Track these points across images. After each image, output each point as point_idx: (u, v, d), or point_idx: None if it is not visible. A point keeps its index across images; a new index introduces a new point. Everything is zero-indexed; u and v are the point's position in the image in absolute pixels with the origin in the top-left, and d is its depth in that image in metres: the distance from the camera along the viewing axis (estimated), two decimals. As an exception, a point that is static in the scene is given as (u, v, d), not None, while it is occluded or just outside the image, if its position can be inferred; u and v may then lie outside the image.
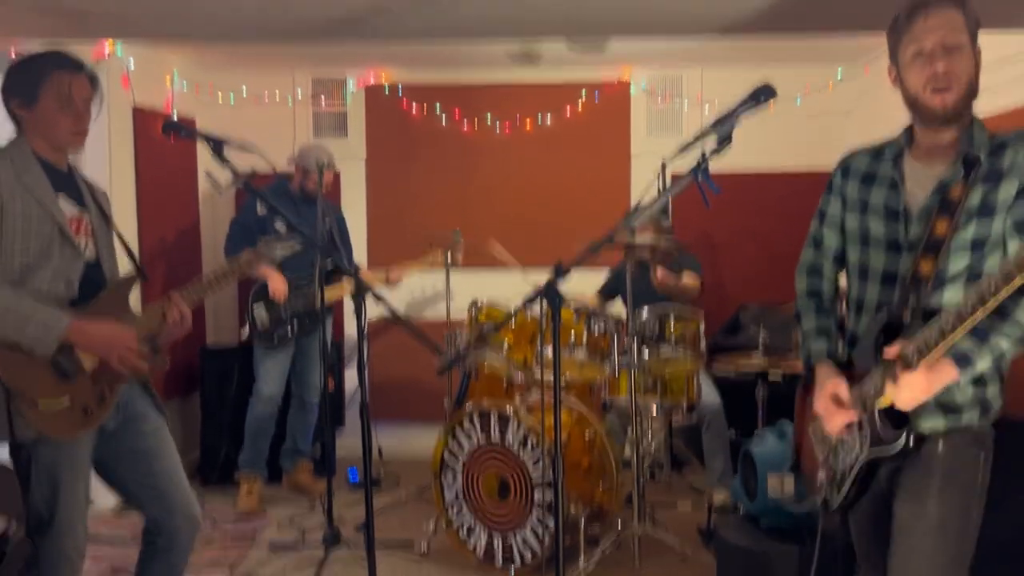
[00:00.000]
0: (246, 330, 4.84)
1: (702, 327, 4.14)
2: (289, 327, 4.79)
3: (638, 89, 5.80)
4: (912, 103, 2.09)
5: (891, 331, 2.05)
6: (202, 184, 5.52)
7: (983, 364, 1.97)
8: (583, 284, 5.04)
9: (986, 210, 2.01)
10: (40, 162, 2.57)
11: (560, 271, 2.22)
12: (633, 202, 5.54)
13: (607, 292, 4.99)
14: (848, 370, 2.18)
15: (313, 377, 4.98)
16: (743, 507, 3.38)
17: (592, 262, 2.25)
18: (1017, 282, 1.71)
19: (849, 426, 2.13)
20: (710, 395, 4.59)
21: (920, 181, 2.09)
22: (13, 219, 2.47)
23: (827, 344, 2.28)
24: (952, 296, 2.04)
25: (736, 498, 3.42)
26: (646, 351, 4.04)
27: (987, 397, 2.08)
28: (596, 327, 3.99)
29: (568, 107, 5.77)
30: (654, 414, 4.28)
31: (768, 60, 5.43)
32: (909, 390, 1.94)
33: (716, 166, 2.03)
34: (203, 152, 5.36)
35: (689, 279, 4.68)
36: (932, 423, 2.06)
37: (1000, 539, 3.04)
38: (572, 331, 3.97)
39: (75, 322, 2.47)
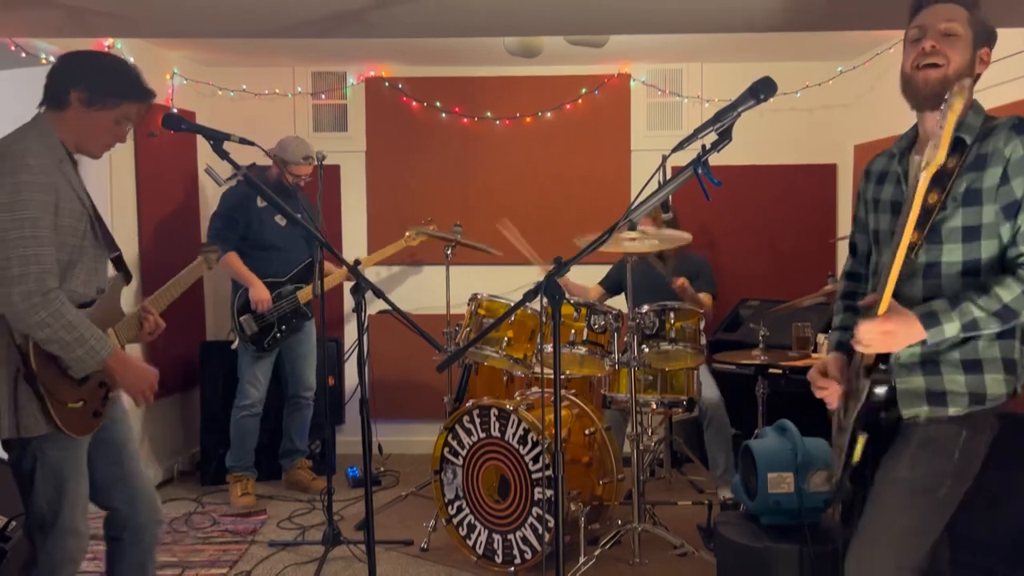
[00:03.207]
0: (235, 341, 4.82)
1: (702, 323, 4.13)
2: (278, 331, 4.77)
3: (638, 83, 5.78)
4: (904, 84, 2.16)
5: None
6: (202, 178, 5.50)
7: (951, 327, 1.99)
8: (585, 279, 5.05)
9: (972, 198, 2.03)
10: (66, 152, 2.56)
11: (560, 266, 2.20)
12: (633, 196, 5.52)
13: (610, 286, 4.98)
14: None
15: (305, 375, 4.96)
16: (744, 505, 3.37)
17: (591, 257, 2.24)
18: (936, 163, 1.85)
19: (847, 399, 2.20)
20: (710, 390, 4.58)
21: (919, 169, 2.06)
22: (61, 216, 2.45)
23: (842, 337, 2.33)
24: (950, 285, 2.07)
25: (736, 496, 3.40)
26: (646, 347, 4.02)
27: (984, 387, 2.07)
28: (596, 323, 3.97)
29: (568, 101, 5.74)
30: (654, 410, 4.26)
31: (768, 54, 5.40)
32: (866, 333, 2.01)
33: (716, 160, 2.01)
34: (203, 146, 5.35)
35: (705, 297, 4.70)
36: (914, 409, 2.09)
37: (1003, 538, 3.03)
38: (572, 327, 3.95)
39: (113, 356, 2.51)
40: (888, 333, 2.00)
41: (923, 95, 2.09)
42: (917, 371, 2.10)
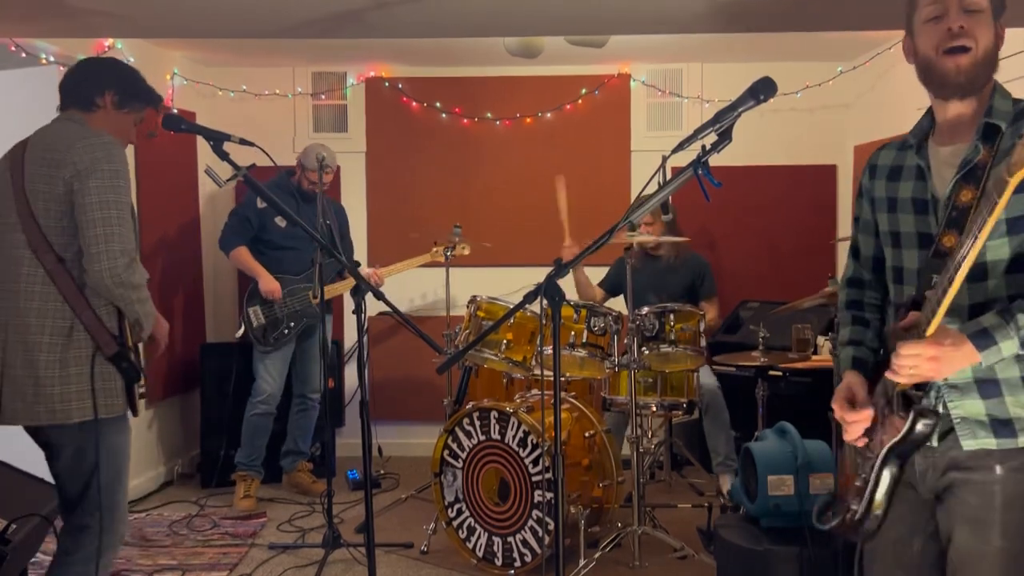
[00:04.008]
0: (240, 331, 4.82)
1: (702, 325, 4.12)
2: (285, 328, 4.77)
3: (638, 83, 5.77)
4: (925, 71, 1.90)
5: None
6: (202, 179, 5.50)
7: (1008, 345, 1.72)
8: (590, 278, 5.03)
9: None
10: None
11: (560, 268, 2.19)
12: (633, 197, 5.51)
13: (610, 288, 4.97)
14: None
15: (314, 377, 4.96)
16: (744, 507, 3.36)
17: (591, 258, 2.23)
18: (1019, 176, 1.53)
19: (873, 427, 1.90)
20: (708, 378, 4.56)
21: (946, 166, 1.89)
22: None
23: (856, 352, 2.04)
24: (998, 287, 1.81)
25: (736, 499, 3.39)
26: (646, 349, 4.02)
27: None
28: (596, 325, 3.96)
29: (568, 101, 5.74)
30: (654, 412, 4.26)
31: (768, 55, 5.40)
32: (910, 359, 1.72)
33: (716, 161, 1.99)
34: (203, 146, 5.35)
35: (711, 311, 4.69)
36: (977, 441, 1.81)
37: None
38: (572, 329, 3.94)
39: None
40: (936, 359, 1.72)
41: (953, 83, 1.85)
42: (973, 393, 1.82)
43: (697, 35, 4.80)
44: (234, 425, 4.91)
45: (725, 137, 1.95)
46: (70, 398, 2.54)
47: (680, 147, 2.06)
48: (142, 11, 3.53)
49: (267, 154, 2.86)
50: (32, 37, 4.01)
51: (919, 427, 1.76)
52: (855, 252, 2.18)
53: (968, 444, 1.81)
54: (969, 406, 1.82)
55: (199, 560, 4.02)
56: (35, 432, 2.66)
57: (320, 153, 4.59)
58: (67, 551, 2.65)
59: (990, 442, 1.80)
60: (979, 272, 1.80)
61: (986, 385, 1.81)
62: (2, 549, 2.72)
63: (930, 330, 1.72)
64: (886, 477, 1.83)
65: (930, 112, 1.99)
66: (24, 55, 4.08)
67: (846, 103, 5.62)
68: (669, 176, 2.10)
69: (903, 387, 1.79)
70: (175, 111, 5.18)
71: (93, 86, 2.70)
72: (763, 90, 1.93)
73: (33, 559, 3.20)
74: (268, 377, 4.79)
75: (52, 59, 4.19)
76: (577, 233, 4.60)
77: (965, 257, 1.63)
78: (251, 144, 2.63)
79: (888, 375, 1.79)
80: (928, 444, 1.83)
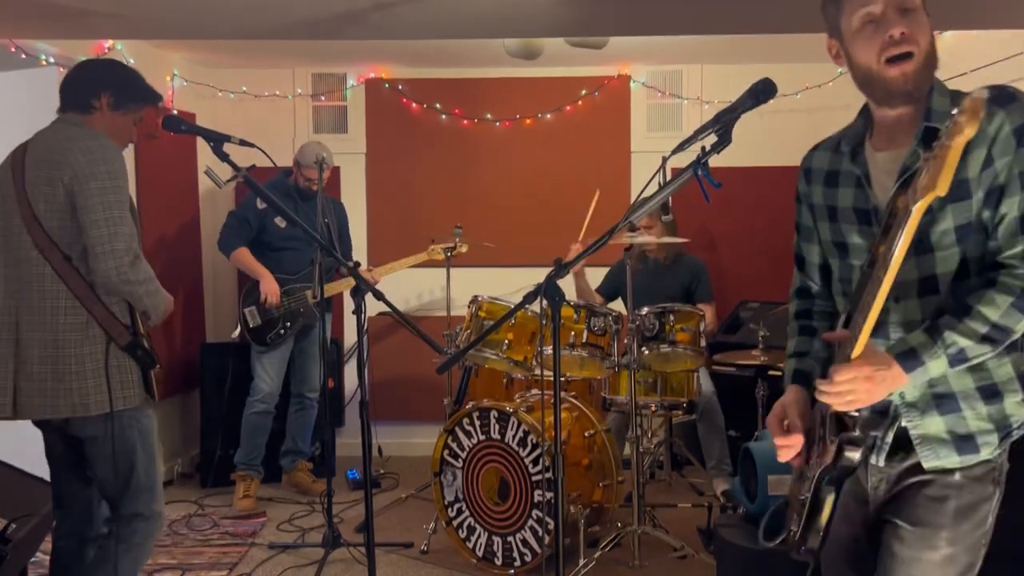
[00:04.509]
0: (237, 331, 4.83)
1: (702, 325, 4.12)
2: (281, 328, 4.77)
3: (638, 85, 5.77)
4: (865, 80, 1.79)
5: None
6: (202, 180, 5.50)
7: (936, 364, 1.65)
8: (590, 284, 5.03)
9: (960, 191, 1.65)
10: None
11: (560, 268, 2.20)
12: (633, 198, 5.52)
13: (607, 292, 4.96)
14: None
15: (313, 376, 4.96)
16: (743, 507, 3.36)
17: (591, 259, 2.23)
18: (926, 201, 1.48)
19: (810, 447, 1.82)
20: (704, 383, 4.57)
21: (885, 173, 1.79)
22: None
23: (799, 364, 1.97)
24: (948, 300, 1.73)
25: (736, 498, 3.40)
26: (646, 349, 4.02)
27: (1007, 413, 1.74)
28: (596, 325, 3.96)
29: (568, 103, 5.74)
30: (654, 412, 4.26)
31: (768, 56, 5.40)
32: (845, 384, 1.64)
33: (715, 162, 2.00)
34: (203, 148, 5.35)
35: (707, 316, 4.69)
36: (940, 461, 1.74)
37: (1001, 543, 3.02)
38: (572, 329, 3.95)
39: None
40: (870, 381, 1.63)
41: (900, 92, 1.73)
42: (932, 411, 1.74)
43: (697, 36, 4.81)
44: (234, 425, 4.91)
45: (725, 138, 1.95)
46: (88, 391, 2.60)
47: (680, 148, 2.06)
48: (142, 12, 3.54)
49: (267, 155, 2.87)
50: (31, 38, 4.01)
51: (847, 454, 1.68)
52: (799, 262, 2.08)
53: (931, 464, 1.75)
54: (929, 424, 1.74)
55: (199, 560, 4.03)
56: (63, 428, 2.70)
57: (319, 152, 4.60)
58: (119, 538, 2.75)
59: (953, 459, 1.73)
60: (931, 286, 1.74)
61: (945, 401, 1.74)
62: (2, 548, 2.72)
63: (855, 352, 1.64)
64: (826, 502, 1.76)
65: (864, 112, 1.90)
66: (24, 56, 4.09)
67: (846, 104, 5.54)
68: (669, 177, 2.10)
69: (835, 409, 1.71)
70: (175, 112, 5.18)
71: (89, 88, 2.73)
72: (763, 91, 1.93)
73: (33, 558, 3.20)
74: (266, 376, 4.80)
75: (52, 60, 4.20)
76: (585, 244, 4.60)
77: (882, 281, 1.57)
78: (251, 145, 2.65)
79: (819, 397, 1.71)
80: (873, 463, 1.80)
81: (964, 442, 1.73)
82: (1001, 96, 1.66)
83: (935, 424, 1.74)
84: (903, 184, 1.67)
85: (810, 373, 1.92)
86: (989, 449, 1.73)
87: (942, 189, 1.46)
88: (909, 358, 1.65)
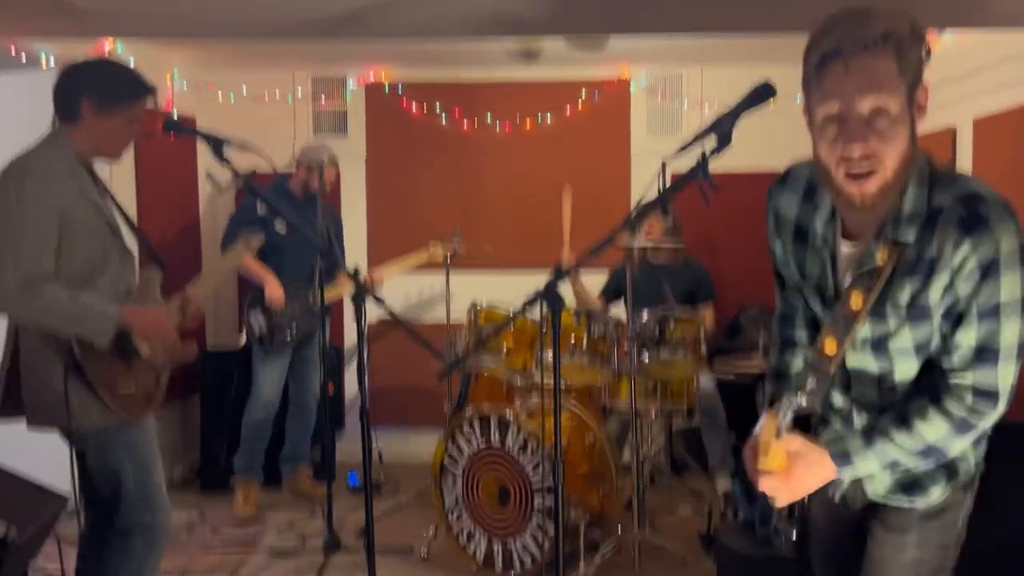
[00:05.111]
0: (243, 336, 4.82)
1: (702, 330, 4.11)
2: (288, 332, 4.76)
3: (638, 87, 5.77)
4: (825, 180, 1.68)
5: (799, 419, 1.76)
6: (202, 183, 5.49)
7: (866, 467, 1.70)
8: (586, 285, 5.02)
9: (920, 312, 1.65)
10: (80, 162, 2.63)
11: (560, 273, 2.19)
12: (633, 201, 5.51)
13: (610, 294, 4.96)
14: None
15: (312, 381, 4.95)
16: (743, 513, 3.35)
17: (595, 263, 2.22)
18: None
19: None
20: (703, 382, 4.55)
21: (849, 262, 1.75)
22: (73, 227, 2.52)
23: (775, 389, 2.00)
24: (908, 393, 1.75)
25: (736, 504, 3.39)
26: (646, 354, 4.01)
27: (957, 464, 1.78)
28: (596, 330, 3.95)
29: (568, 105, 5.74)
30: (654, 418, 4.25)
31: (768, 58, 5.37)
32: (773, 493, 1.72)
33: (715, 166, 1.98)
34: (203, 151, 5.33)
35: (708, 316, 4.69)
36: (896, 502, 1.81)
37: (1001, 542, 3.01)
38: (572, 335, 3.93)
39: (125, 307, 2.58)
40: (792, 488, 1.71)
41: (858, 208, 1.64)
42: (880, 472, 1.78)
43: (697, 38, 4.80)
44: (234, 430, 4.89)
45: (725, 141, 1.94)
46: (62, 405, 2.52)
47: (681, 151, 2.05)
48: (142, 12, 3.53)
49: (266, 158, 2.86)
50: (32, 36, 4.00)
51: (789, 538, 1.79)
52: (781, 285, 2.04)
53: (880, 500, 1.82)
54: (877, 482, 1.81)
55: (199, 565, 4.02)
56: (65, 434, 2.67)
57: (330, 152, 4.61)
58: (115, 551, 2.69)
59: (903, 502, 1.80)
60: (888, 381, 1.77)
61: (890, 465, 1.74)
62: (1, 555, 2.71)
63: (764, 463, 1.68)
64: (792, 532, 1.83)
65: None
66: (24, 59, 4.08)
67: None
68: (669, 180, 2.09)
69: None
70: (175, 115, 5.18)
71: (71, 96, 2.61)
72: (762, 94, 1.91)
73: (33, 564, 3.19)
74: (267, 381, 4.78)
75: (53, 63, 4.19)
76: (578, 247, 4.58)
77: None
78: (250, 149, 2.64)
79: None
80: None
81: (910, 487, 1.79)
82: (972, 220, 1.57)
83: (883, 481, 1.80)
84: (859, 279, 1.66)
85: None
86: (938, 491, 1.78)
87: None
88: (842, 458, 1.70)
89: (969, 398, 1.65)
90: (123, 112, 2.63)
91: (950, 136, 4.51)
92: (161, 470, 2.78)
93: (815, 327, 1.93)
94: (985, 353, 1.62)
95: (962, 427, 1.66)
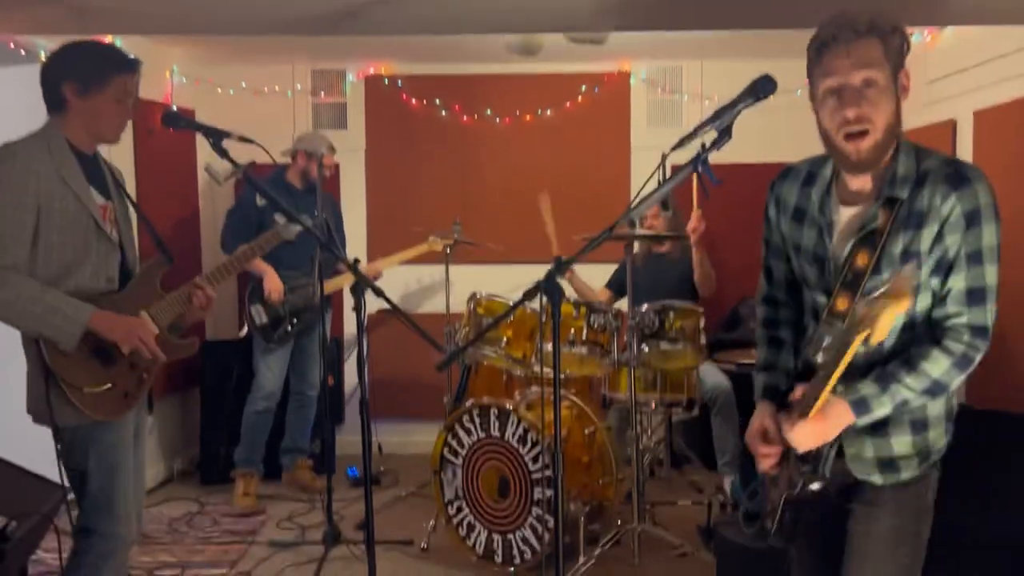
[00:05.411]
0: (245, 329, 4.82)
1: (702, 321, 4.11)
2: (288, 324, 4.76)
3: (638, 81, 5.76)
4: (827, 145, 1.97)
5: (808, 371, 1.98)
6: (201, 176, 5.49)
7: (882, 410, 1.89)
8: (590, 279, 5.01)
9: (910, 259, 1.88)
10: (73, 151, 2.58)
11: (560, 265, 2.19)
12: (633, 194, 5.50)
13: (617, 286, 4.95)
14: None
15: (312, 373, 4.96)
16: (742, 506, 3.35)
17: (597, 256, 2.22)
18: (861, 337, 1.66)
19: (781, 460, 2.05)
20: (718, 378, 4.55)
21: (848, 226, 1.98)
22: (51, 216, 2.48)
23: (768, 379, 2.21)
24: (892, 345, 1.94)
25: (736, 496, 3.39)
26: (646, 346, 4.01)
27: (930, 444, 1.98)
28: (596, 322, 3.95)
29: (568, 99, 5.73)
30: (654, 409, 4.25)
31: (768, 52, 5.36)
32: (802, 438, 1.90)
33: (716, 158, 1.99)
34: (202, 144, 5.33)
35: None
36: (866, 477, 2.00)
37: (1000, 534, 3.02)
38: (572, 326, 3.94)
39: (97, 313, 2.50)
40: (821, 432, 1.90)
41: (854, 164, 1.91)
42: (865, 436, 1.98)
43: (697, 32, 4.79)
44: (234, 422, 4.90)
45: (725, 134, 1.95)
46: (43, 400, 2.49)
47: (680, 144, 2.06)
48: (142, 7, 3.53)
49: (266, 151, 2.86)
50: (31, 33, 4.00)
51: (812, 487, 1.94)
52: (768, 273, 2.31)
53: (859, 475, 2.00)
54: (859, 445, 1.98)
55: (199, 557, 4.02)
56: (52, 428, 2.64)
57: (326, 140, 4.60)
58: (75, 552, 2.64)
59: (876, 478, 1.98)
60: (908, 323, 1.93)
61: (878, 426, 1.95)
62: (1, 547, 2.72)
63: (812, 413, 1.85)
64: (788, 520, 2.02)
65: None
66: (24, 53, 4.08)
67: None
68: (669, 173, 2.10)
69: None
70: (174, 108, 5.18)
71: (53, 84, 2.55)
72: (762, 87, 1.95)
73: (33, 556, 3.20)
74: (268, 374, 4.79)
75: (52, 57, 4.18)
76: (566, 248, 4.56)
77: (833, 371, 1.76)
78: (250, 141, 2.63)
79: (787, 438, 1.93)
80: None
81: (886, 466, 1.98)
82: (956, 177, 1.86)
83: (865, 447, 1.98)
84: (861, 240, 1.91)
85: (778, 387, 2.14)
86: (909, 472, 1.98)
87: (877, 337, 1.66)
88: (860, 405, 1.89)
89: (967, 335, 1.87)
90: (108, 90, 2.56)
91: (950, 129, 4.50)
92: (132, 479, 2.68)
93: (799, 328, 2.20)
94: (975, 294, 1.87)
95: (962, 362, 1.88)
